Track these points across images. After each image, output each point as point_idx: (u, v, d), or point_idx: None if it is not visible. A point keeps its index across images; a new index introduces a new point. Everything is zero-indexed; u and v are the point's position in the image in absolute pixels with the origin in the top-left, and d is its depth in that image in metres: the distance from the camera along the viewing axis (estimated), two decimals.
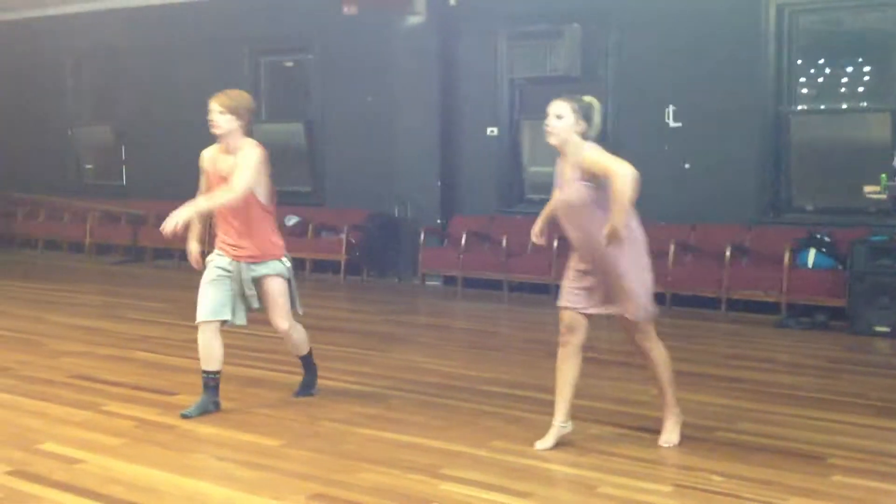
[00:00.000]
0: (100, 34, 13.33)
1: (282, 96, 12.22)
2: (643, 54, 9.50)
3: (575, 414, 5.16)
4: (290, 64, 12.26)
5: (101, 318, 8.31)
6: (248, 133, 5.18)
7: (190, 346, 7.05)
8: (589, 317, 4.50)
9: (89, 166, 14.05)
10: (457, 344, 7.58)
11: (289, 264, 5.19)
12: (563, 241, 9.42)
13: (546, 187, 10.39)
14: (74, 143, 14.00)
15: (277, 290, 5.11)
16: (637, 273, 4.37)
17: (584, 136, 4.38)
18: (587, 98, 4.47)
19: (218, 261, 5.07)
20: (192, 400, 5.45)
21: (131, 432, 4.84)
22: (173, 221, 4.70)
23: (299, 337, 5.35)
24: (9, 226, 13.84)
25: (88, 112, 14.00)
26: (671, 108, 9.36)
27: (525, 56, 9.90)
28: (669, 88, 9.35)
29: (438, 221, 10.55)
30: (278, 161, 12.10)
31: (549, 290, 9.51)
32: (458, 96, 10.54)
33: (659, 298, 8.90)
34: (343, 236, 10.78)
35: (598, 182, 4.28)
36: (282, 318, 5.16)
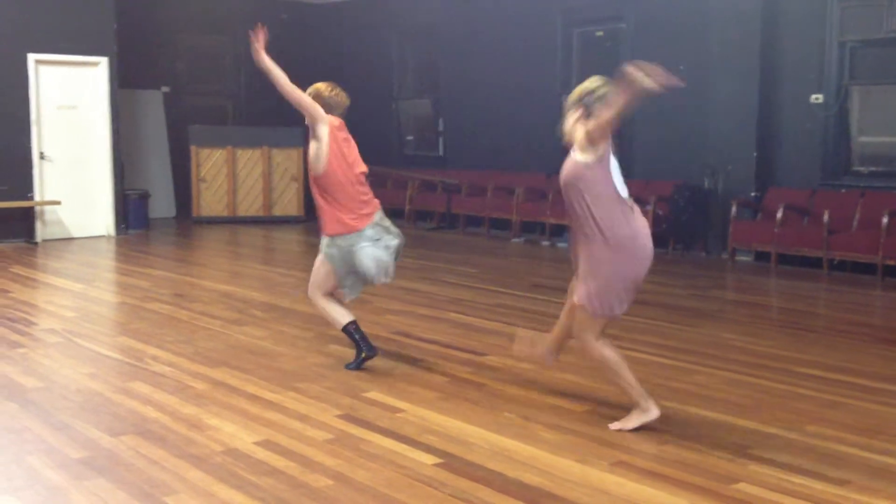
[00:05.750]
0: (421, 12, 14.11)
1: (592, 66, 12.20)
2: None
3: None
4: (600, 33, 12.23)
5: (419, 280, 8.86)
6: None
7: (498, 310, 7.36)
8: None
9: (410, 137, 14.96)
10: (770, 322, 7.25)
11: (333, 251, 5.32)
12: (894, 216, 8.73)
13: (878, 158, 9.63)
14: (398, 115, 14.96)
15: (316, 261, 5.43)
16: (596, 271, 4.22)
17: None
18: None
19: None
20: (501, 361, 5.70)
21: (445, 387, 5.14)
22: None
23: (321, 309, 5.51)
24: None
25: (410, 87, 14.88)
26: None
27: (858, 15, 9.15)
28: None
29: (753, 194, 10.09)
30: None
31: (876, 271, 8.80)
32: (780, 61, 9.97)
33: None
34: (650, 208, 10.63)
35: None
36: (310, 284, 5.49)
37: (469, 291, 8.24)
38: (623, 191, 4.24)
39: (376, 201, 5.46)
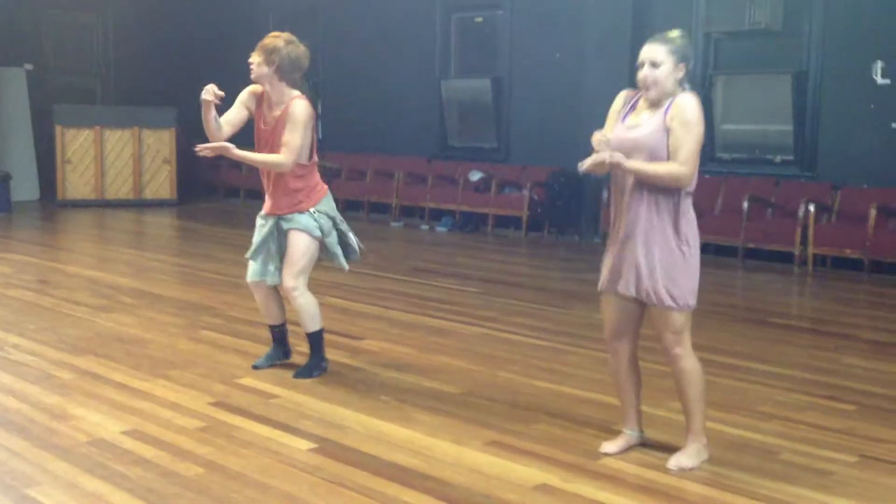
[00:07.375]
0: None
1: (470, 52, 12.33)
2: (850, 6, 8.92)
3: (762, 381, 5.04)
4: (479, 20, 12.33)
5: None
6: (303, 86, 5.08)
7: (378, 294, 7.37)
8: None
9: None
10: None
11: (322, 221, 4.86)
12: (755, 200, 9.14)
13: (739, 146, 10.05)
14: None
15: (297, 244, 4.80)
16: (664, 263, 3.87)
17: (681, 82, 3.79)
18: (675, 33, 3.76)
19: (260, 220, 4.96)
20: (378, 345, 5.71)
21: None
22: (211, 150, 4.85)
23: (304, 303, 4.87)
24: (214, 176, 14.77)
25: None
26: (879, 65, 8.77)
27: (723, 8, 9.53)
28: (878, 42, 8.75)
29: None
30: (465, 116, 12.38)
31: (737, 253, 9.21)
32: None
33: (856, 265, 8.50)
34: (526, 192, 10.83)
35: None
36: (290, 274, 4.81)
37: (348, 276, 8.14)
38: None
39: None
